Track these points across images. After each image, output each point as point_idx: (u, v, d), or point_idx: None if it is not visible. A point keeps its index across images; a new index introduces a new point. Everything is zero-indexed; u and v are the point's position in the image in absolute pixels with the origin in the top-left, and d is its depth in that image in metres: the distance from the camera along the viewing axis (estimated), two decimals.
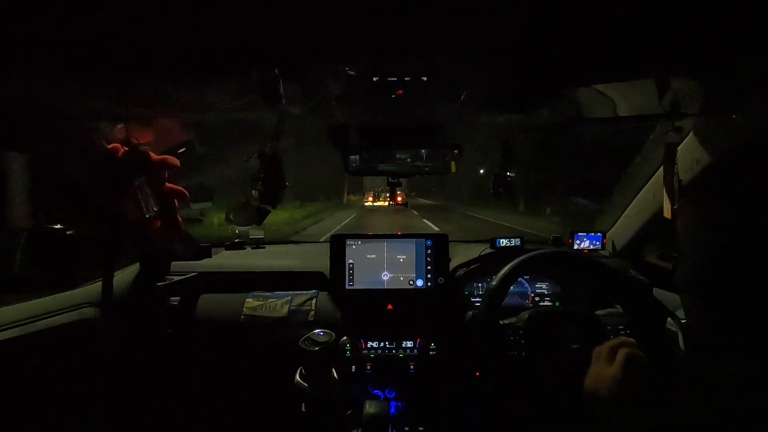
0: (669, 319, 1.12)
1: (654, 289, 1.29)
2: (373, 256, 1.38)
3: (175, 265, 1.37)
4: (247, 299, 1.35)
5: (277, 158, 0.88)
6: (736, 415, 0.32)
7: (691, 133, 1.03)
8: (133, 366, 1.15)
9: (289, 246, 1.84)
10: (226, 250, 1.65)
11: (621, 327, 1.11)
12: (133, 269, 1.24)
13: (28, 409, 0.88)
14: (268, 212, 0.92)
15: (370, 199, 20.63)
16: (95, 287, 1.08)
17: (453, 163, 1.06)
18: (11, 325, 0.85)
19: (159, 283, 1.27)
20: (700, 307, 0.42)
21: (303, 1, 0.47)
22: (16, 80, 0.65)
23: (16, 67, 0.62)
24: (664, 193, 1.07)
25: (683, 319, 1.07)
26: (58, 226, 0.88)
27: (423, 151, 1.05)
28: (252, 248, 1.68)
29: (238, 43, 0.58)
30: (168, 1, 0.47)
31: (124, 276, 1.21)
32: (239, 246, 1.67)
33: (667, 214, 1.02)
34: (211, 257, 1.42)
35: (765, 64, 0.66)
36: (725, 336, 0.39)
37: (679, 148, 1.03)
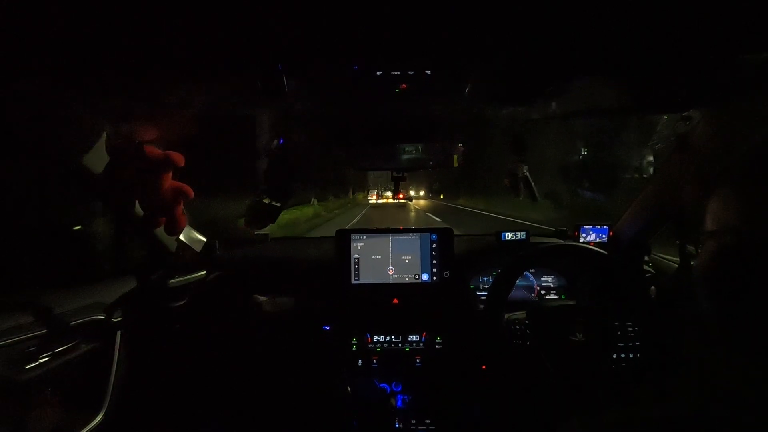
0: (675, 309, 1.11)
1: (662, 280, 1.27)
2: (378, 250, 1.38)
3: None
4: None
5: (284, 155, 0.87)
6: (739, 409, 0.31)
7: (700, 123, 1.01)
8: (142, 362, 1.17)
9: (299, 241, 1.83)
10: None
11: (629, 324, 1.10)
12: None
13: (37, 407, 0.90)
14: (280, 210, 0.92)
15: (374, 196, 20.77)
16: (104, 285, 1.10)
17: (456, 157, 1.05)
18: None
19: (170, 281, 1.27)
20: (709, 300, 0.41)
21: None
22: (20, 80, 0.66)
23: (18, 67, 0.62)
24: (674, 184, 1.05)
25: (692, 311, 1.06)
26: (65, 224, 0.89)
27: (427, 145, 1.05)
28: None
29: (242, 38, 0.58)
30: None
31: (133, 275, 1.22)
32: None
33: (677, 205, 1.00)
34: (216, 252, 1.42)
35: None
36: (737, 329, 0.39)
37: (688, 137, 1.01)
